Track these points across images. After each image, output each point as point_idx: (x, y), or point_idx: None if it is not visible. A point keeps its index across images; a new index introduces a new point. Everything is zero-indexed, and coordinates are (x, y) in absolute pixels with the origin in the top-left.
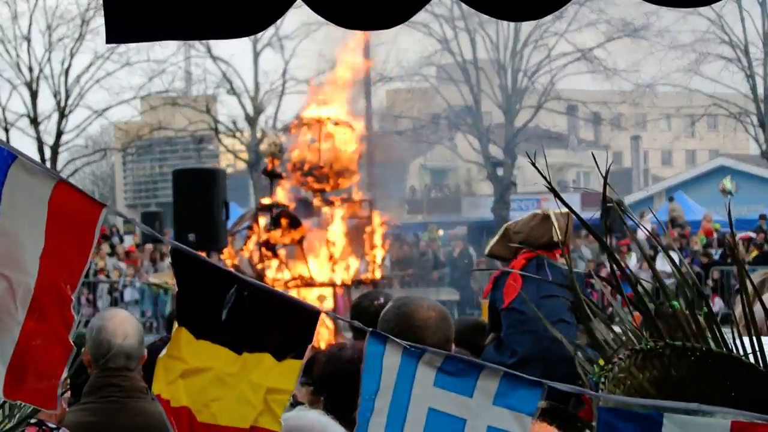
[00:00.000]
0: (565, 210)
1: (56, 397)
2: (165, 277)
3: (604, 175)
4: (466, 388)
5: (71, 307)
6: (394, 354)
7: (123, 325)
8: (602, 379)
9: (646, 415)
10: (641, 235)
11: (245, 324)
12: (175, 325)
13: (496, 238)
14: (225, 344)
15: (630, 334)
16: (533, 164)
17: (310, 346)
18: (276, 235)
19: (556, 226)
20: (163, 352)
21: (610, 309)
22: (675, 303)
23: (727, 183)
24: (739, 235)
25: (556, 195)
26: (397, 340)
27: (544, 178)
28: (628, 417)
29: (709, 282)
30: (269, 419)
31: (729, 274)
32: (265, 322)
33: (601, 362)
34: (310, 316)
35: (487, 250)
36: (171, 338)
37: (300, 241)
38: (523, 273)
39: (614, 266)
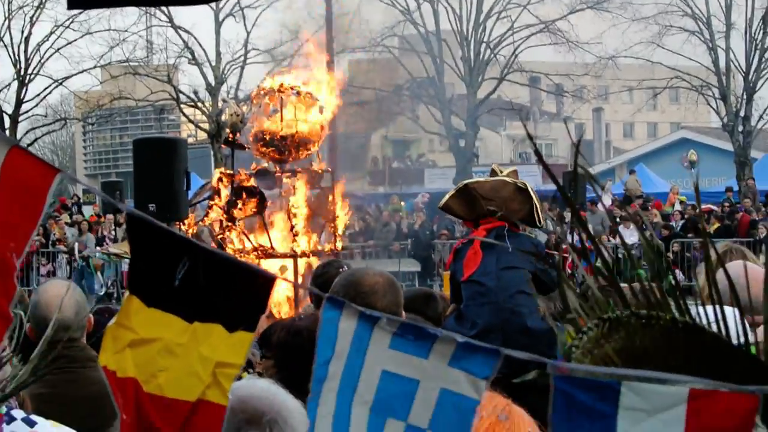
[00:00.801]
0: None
1: None
2: (125, 246)
3: (574, 146)
4: (422, 350)
5: (14, 277)
6: (350, 319)
7: (58, 298)
8: (573, 350)
9: (603, 383)
10: (602, 206)
11: (198, 291)
12: (126, 293)
13: (452, 193)
14: (176, 312)
15: (598, 304)
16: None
17: (264, 317)
18: (236, 205)
19: (537, 204)
20: (112, 321)
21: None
22: (640, 271)
23: (692, 155)
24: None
25: (545, 167)
26: (354, 305)
27: (537, 153)
28: (585, 386)
29: (670, 255)
30: (217, 393)
31: (689, 246)
32: (220, 288)
33: (571, 332)
34: (266, 282)
35: (441, 204)
36: (121, 306)
37: (261, 212)
38: (485, 240)
39: (583, 235)
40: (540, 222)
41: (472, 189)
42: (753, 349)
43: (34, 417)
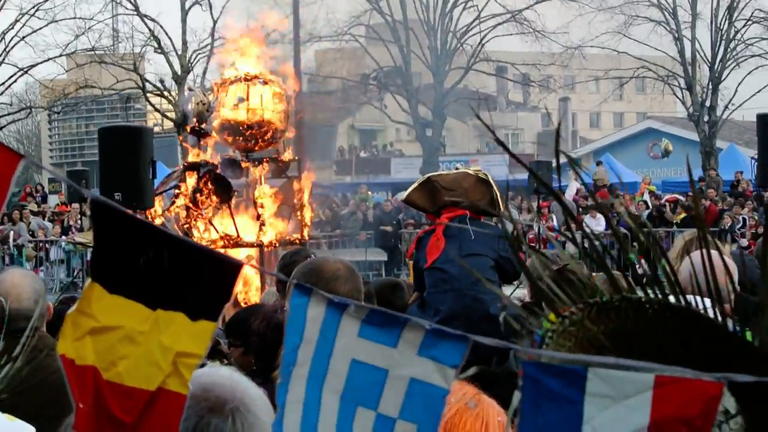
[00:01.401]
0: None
1: None
2: (90, 235)
3: (556, 133)
4: (391, 338)
5: None
6: (318, 306)
7: (15, 288)
8: (549, 334)
9: (570, 369)
10: (569, 195)
11: (162, 278)
12: (88, 280)
13: (415, 185)
14: (139, 299)
15: (584, 288)
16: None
17: (230, 305)
18: (203, 194)
19: (497, 193)
20: (73, 307)
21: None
22: (631, 256)
23: (666, 144)
24: (666, 197)
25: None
26: (322, 292)
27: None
28: (552, 372)
29: (635, 245)
30: (177, 382)
31: (655, 235)
32: (185, 275)
33: (552, 317)
34: (232, 269)
35: (404, 196)
36: (82, 294)
37: (227, 201)
38: (453, 225)
39: (568, 220)
40: (500, 208)
41: (434, 181)
42: (749, 336)
43: None
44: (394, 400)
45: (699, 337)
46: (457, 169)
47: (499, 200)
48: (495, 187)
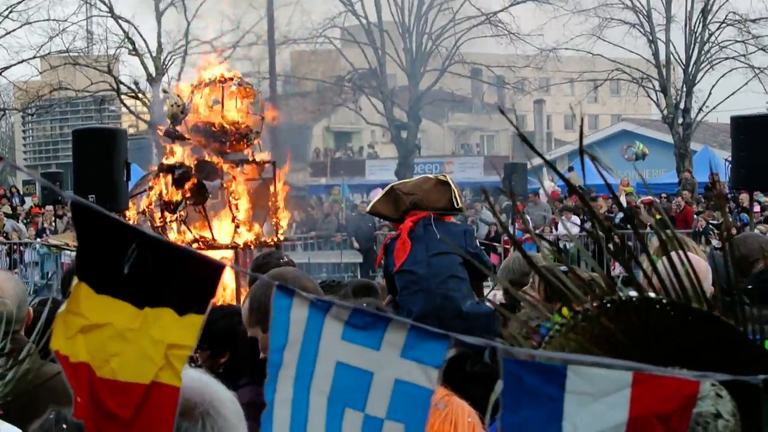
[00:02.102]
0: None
1: None
2: (65, 238)
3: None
4: (374, 341)
5: None
6: (301, 308)
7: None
8: (557, 327)
9: (550, 367)
10: (543, 197)
11: (147, 278)
12: (75, 280)
13: (380, 196)
14: (126, 299)
15: (601, 285)
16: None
17: (212, 301)
18: (178, 196)
19: (456, 190)
20: (63, 307)
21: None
22: (654, 257)
23: (641, 147)
24: (641, 198)
25: (553, 168)
26: (304, 293)
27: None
28: (533, 369)
29: (610, 246)
30: (170, 374)
31: (629, 237)
32: (168, 276)
33: (565, 311)
34: (215, 270)
35: (369, 208)
36: (71, 293)
37: (202, 203)
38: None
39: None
40: (458, 205)
41: (396, 190)
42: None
43: None
44: (380, 401)
45: (718, 342)
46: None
47: (458, 199)
48: (454, 187)
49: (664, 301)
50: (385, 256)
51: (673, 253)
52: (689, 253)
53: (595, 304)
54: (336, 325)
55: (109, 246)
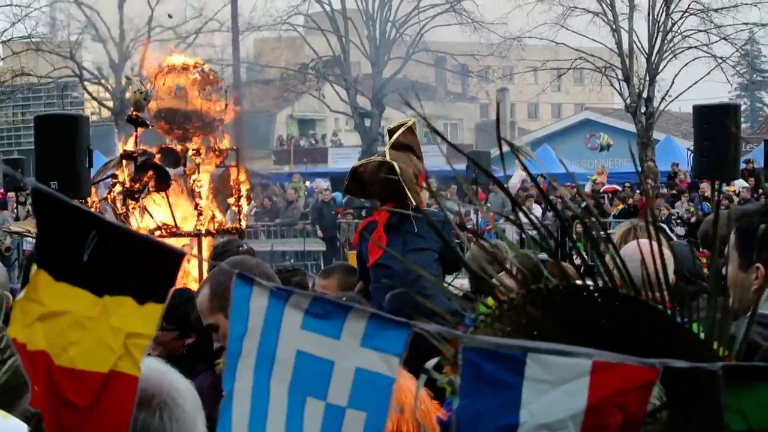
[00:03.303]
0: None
1: None
2: (27, 225)
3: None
4: (334, 330)
5: None
6: (261, 296)
7: None
8: (481, 317)
9: (510, 355)
10: (513, 184)
11: (107, 266)
12: (34, 267)
13: (347, 178)
14: (85, 286)
15: (528, 276)
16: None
17: (172, 290)
18: (140, 183)
19: (404, 186)
20: (21, 294)
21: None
22: (579, 245)
23: (605, 139)
24: (604, 188)
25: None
26: (264, 282)
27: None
28: (492, 357)
29: (574, 235)
30: (129, 363)
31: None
32: (128, 264)
33: (491, 302)
34: (175, 257)
35: (344, 189)
36: (29, 280)
37: (165, 190)
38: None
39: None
40: (412, 203)
41: (359, 173)
42: (695, 327)
43: None
44: (342, 389)
45: (647, 327)
46: (389, 132)
47: (409, 195)
48: (399, 175)
49: (591, 287)
50: (360, 242)
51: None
52: (641, 241)
53: (521, 293)
54: (296, 314)
55: (69, 233)
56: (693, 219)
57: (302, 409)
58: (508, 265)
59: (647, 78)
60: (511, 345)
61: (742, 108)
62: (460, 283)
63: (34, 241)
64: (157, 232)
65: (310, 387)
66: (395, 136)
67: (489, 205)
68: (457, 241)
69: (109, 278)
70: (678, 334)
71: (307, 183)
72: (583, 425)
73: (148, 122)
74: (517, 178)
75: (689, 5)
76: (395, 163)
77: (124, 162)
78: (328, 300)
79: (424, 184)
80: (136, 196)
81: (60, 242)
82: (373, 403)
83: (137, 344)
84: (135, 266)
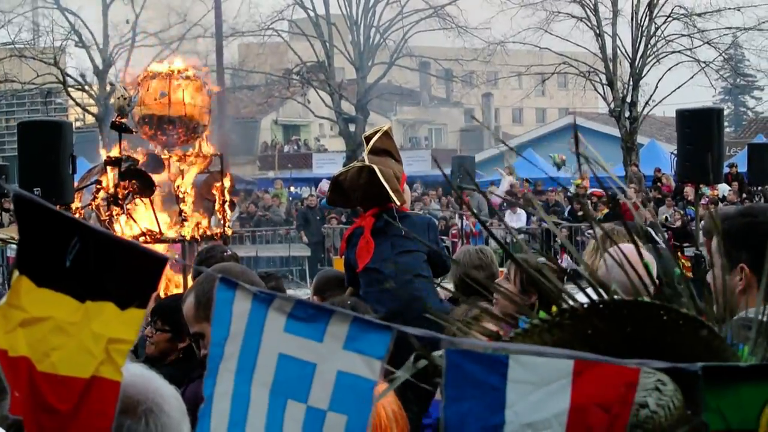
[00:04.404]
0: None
1: None
2: (11, 231)
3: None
4: (316, 333)
5: None
6: (244, 300)
7: None
8: (535, 322)
9: (492, 357)
10: (501, 190)
11: (89, 271)
12: (16, 273)
13: (329, 189)
14: (67, 292)
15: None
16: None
17: (154, 295)
18: (124, 189)
19: (386, 185)
20: (2, 300)
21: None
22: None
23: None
24: (591, 190)
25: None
26: (248, 286)
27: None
28: (474, 359)
29: (558, 242)
30: (110, 369)
31: (577, 230)
32: (110, 269)
33: (554, 309)
34: (157, 263)
35: (327, 200)
36: (11, 286)
37: (149, 196)
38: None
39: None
40: (396, 202)
41: (340, 182)
42: (745, 352)
43: None
44: (323, 392)
45: (705, 347)
46: (366, 139)
47: (392, 194)
48: (381, 177)
49: (657, 304)
50: (347, 248)
51: (610, 249)
52: (630, 246)
53: (584, 304)
54: (279, 317)
55: (51, 239)
56: (678, 223)
57: (283, 412)
58: (506, 270)
59: (631, 82)
60: (491, 347)
61: (726, 112)
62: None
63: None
64: (141, 239)
65: (292, 390)
66: (372, 142)
67: (476, 210)
68: (444, 244)
69: (91, 284)
70: (728, 355)
71: (292, 188)
72: (568, 424)
73: (132, 128)
74: (505, 183)
75: (673, 10)
76: (375, 166)
77: (108, 168)
78: (311, 303)
79: (406, 187)
80: (120, 202)
81: (42, 248)
82: (355, 406)
83: (119, 349)
84: (117, 271)
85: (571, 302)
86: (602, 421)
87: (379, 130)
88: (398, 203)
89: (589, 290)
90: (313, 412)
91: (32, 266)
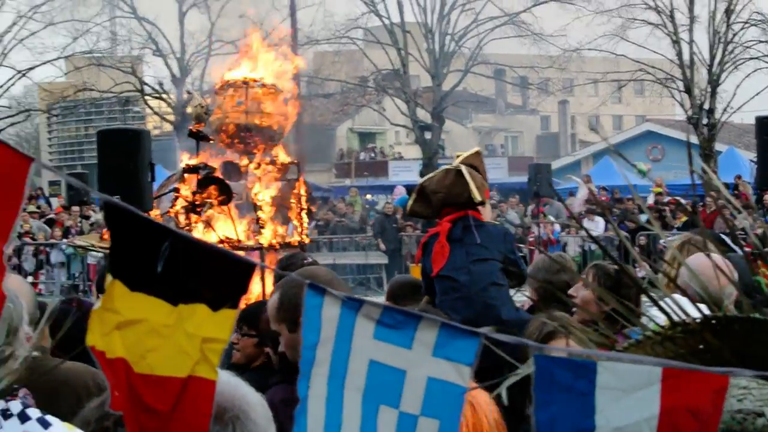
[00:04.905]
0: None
1: None
2: (91, 239)
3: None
4: (405, 340)
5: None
6: (333, 306)
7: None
8: (648, 333)
9: (581, 363)
10: (579, 198)
11: (180, 276)
12: (109, 278)
13: (413, 197)
14: (160, 296)
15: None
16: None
17: (245, 297)
18: (202, 197)
19: (470, 183)
20: (98, 304)
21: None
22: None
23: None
24: (667, 198)
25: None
26: (335, 292)
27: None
28: (563, 365)
29: (636, 248)
30: (206, 368)
31: (656, 238)
32: (200, 274)
33: (667, 322)
34: (246, 268)
35: (407, 210)
36: (105, 291)
37: (227, 203)
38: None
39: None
40: (477, 198)
41: (424, 187)
42: None
43: (48, 418)
44: (414, 398)
45: None
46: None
47: (475, 191)
48: (468, 177)
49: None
50: (423, 256)
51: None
52: (714, 255)
53: (696, 319)
54: (368, 324)
55: (141, 245)
56: (759, 231)
57: (376, 417)
58: (584, 276)
59: (708, 89)
60: (578, 354)
61: None
62: (522, 298)
63: (97, 254)
64: (219, 246)
65: (383, 395)
66: (464, 155)
67: (552, 218)
68: (521, 254)
69: (183, 287)
70: None
71: (368, 196)
72: (659, 428)
73: (209, 136)
74: (583, 192)
75: (750, 16)
76: (463, 167)
77: (185, 176)
78: (399, 310)
79: (488, 205)
80: (198, 210)
81: (133, 253)
82: (446, 410)
83: (213, 349)
84: (207, 276)
85: (681, 314)
86: (692, 426)
87: (471, 152)
88: (478, 199)
89: (685, 303)
90: (406, 418)
91: (125, 271)
